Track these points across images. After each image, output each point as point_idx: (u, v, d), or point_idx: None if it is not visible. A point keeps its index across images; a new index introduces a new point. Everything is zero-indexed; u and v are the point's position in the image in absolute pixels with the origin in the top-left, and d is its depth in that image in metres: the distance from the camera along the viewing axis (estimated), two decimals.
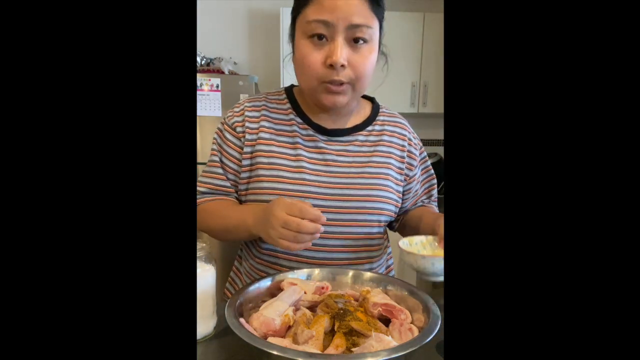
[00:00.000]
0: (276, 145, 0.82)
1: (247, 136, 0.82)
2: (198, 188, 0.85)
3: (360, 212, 0.79)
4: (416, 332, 0.51)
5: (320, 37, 0.71)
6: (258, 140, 0.81)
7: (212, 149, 0.86)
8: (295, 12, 0.75)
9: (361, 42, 0.71)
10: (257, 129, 0.82)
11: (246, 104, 0.85)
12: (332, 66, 0.71)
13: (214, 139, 0.87)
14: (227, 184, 0.84)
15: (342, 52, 0.70)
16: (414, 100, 2.67)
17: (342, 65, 0.71)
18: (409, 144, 0.89)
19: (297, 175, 0.80)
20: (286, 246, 0.61)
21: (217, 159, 0.85)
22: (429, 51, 2.62)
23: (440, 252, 0.72)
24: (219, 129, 0.86)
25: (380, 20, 0.75)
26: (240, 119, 0.83)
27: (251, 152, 0.82)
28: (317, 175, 0.81)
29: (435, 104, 2.69)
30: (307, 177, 0.80)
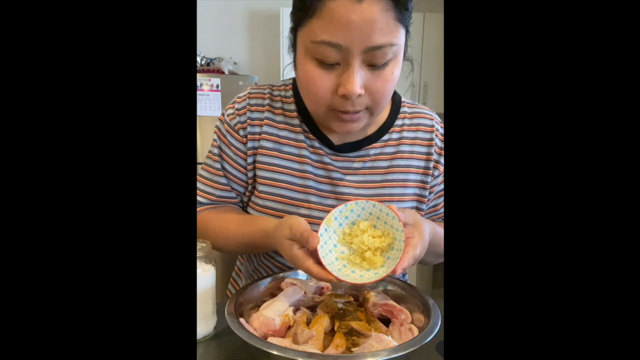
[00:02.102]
0: (280, 158, 0.70)
1: (249, 143, 0.70)
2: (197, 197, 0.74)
3: None
4: (416, 332, 0.51)
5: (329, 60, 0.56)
6: (259, 150, 0.70)
7: (212, 153, 0.73)
8: (297, 21, 0.59)
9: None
10: (260, 134, 0.70)
11: (249, 101, 0.71)
12: (345, 96, 0.57)
13: (214, 140, 0.74)
14: (232, 194, 0.73)
15: (358, 81, 0.56)
16: (414, 100, 2.68)
17: (359, 95, 0.57)
18: (437, 152, 0.73)
19: (302, 197, 0.69)
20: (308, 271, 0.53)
21: (218, 165, 0.72)
22: (429, 51, 2.62)
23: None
24: (218, 127, 0.73)
25: (407, 26, 0.59)
26: (243, 118, 0.70)
27: (252, 163, 0.71)
28: (324, 197, 0.70)
29: (435, 104, 2.69)
30: (314, 199, 0.69)
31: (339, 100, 0.59)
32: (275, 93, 0.73)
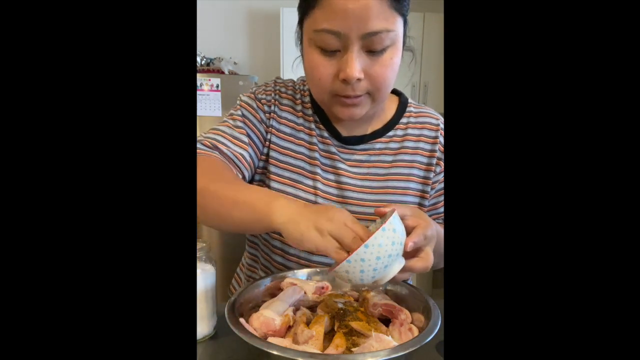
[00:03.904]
0: (294, 143, 0.73)
1: (271, 121, 0.73)
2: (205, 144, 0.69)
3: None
4: (416, 332, 0.51)
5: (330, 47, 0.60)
6: (278, 133, 0.73)
7: (234, 115, 0.72)
8: (302, 13, 0.64)
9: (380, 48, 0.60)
10: (280, 117, 0.73)
11: (275, 87, 0.76)
12: (345, 80, 0.61)
13: (237, 105, 0.74)
14: (247, 157, 0.70)
15: (356, 65, 0.59)
16: (414, 100, 2.67)
17: (358, 79, 0.61)
18: (441, 150, 0.76)
19: (311, 183, 0.72)
20: (332, 246, 0.48)
21: (240, 124, 0.71)
22: (429, 51, 2.62)
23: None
24: (241, 99, 0.74)
25: (404, 15, 0.62)
26: (270, 97, 0.74)
27: (269, 141, 0.73)
28: (328, 185, 0.73)
29: (435, 104, 2.69)
30: (320, 186, 0.72)
31: (339, 85, 0.62)
32: (296, 87, 0.78)
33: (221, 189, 0.58)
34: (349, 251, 0.48)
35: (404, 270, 0.51)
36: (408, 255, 0.52)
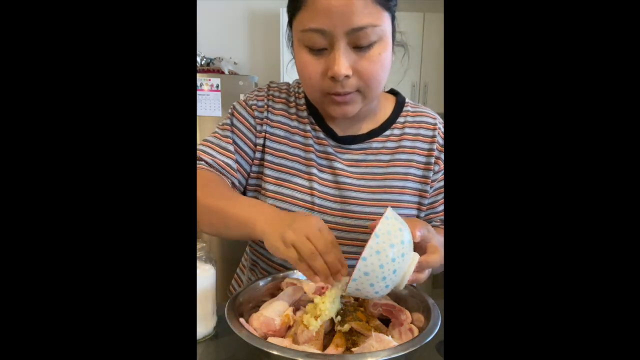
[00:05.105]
0: (289, 146, 0.74)
1: (264, 126, 0.74)
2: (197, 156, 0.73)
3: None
4: (416, 332, 0.51)
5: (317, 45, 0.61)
6: (272, 137, 0.74)
7: (224, 124, 0.75)
8: (290, 15, 0.65)
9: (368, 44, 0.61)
10: (273, 122, 0.74)
11: (270, 92, 0.76)
12: (334, 77, 0.61)
13: (228, 114, 0.76)
14: (234, 165, 0.72)
15: (343, 62, 0.59)
16: (414, 100, 2.67)
17: (347, 76, 0.61)
18: (439, 149, 0.76)
19: (307, 184, 0.72)
20: (293, 256, 0.50)
21: (228, 134, 0.73)
22: (429, 51, 2.62)
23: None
24: (232, 106, 0.76)
25: (392, 10, 0.63)
26: (262, 103, 0.75)
27: (262, 145, 0.74)
28: (325, 185, 0.73)
29: (435, 104, 2.69)
30: (317, 186, 0.72)
31: (328, 83, 0.62)
32: (291, 90, 0.78)
33: (213, 204, 0.61)
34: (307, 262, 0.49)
35: (421, 267, 0.51)
36: (418, 252, 0.53)
